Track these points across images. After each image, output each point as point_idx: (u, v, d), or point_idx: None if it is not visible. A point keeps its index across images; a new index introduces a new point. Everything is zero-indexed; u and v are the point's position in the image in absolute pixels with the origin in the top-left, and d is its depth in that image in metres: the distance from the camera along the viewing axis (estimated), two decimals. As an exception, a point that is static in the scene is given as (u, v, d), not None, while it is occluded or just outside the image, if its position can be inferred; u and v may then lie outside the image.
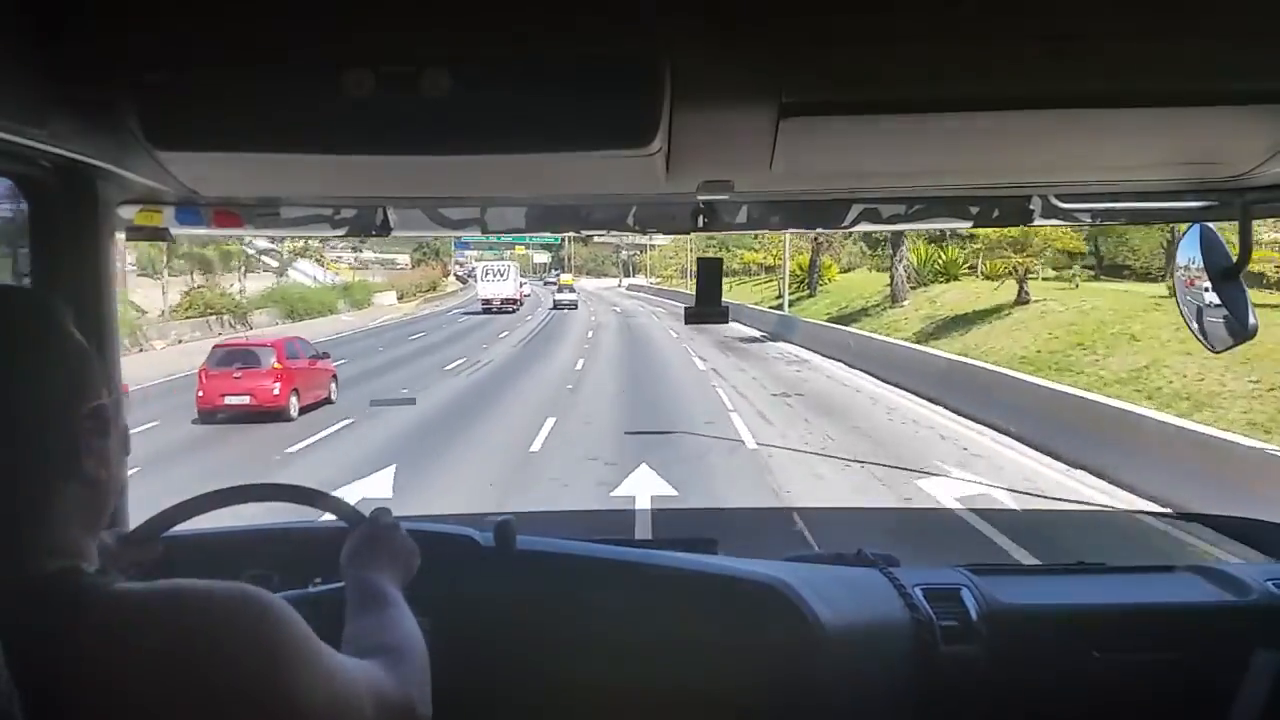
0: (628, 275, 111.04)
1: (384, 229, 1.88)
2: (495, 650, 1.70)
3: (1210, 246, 1.75)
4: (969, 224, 1.98)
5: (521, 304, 57.81)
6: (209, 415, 16.20)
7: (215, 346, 18.23)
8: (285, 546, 1.72)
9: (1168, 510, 9.23)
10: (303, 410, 16.55)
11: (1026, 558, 5.85)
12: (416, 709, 1.06)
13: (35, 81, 1.12)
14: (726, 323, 2.01)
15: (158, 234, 1.80)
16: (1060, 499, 10.26)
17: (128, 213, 1.74)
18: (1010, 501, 9.91)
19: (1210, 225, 1.80)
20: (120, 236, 1.74)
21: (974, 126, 1.34)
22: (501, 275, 56.31)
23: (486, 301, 55.20)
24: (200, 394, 16.33)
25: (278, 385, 16.32)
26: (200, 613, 0.86)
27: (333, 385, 18.45)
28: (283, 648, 0.88)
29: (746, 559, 1.96)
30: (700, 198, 1.78)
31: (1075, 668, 1.87)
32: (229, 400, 16.14)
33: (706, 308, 1.92)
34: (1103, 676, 1.87)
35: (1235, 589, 1.96)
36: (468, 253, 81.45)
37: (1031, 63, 1.16)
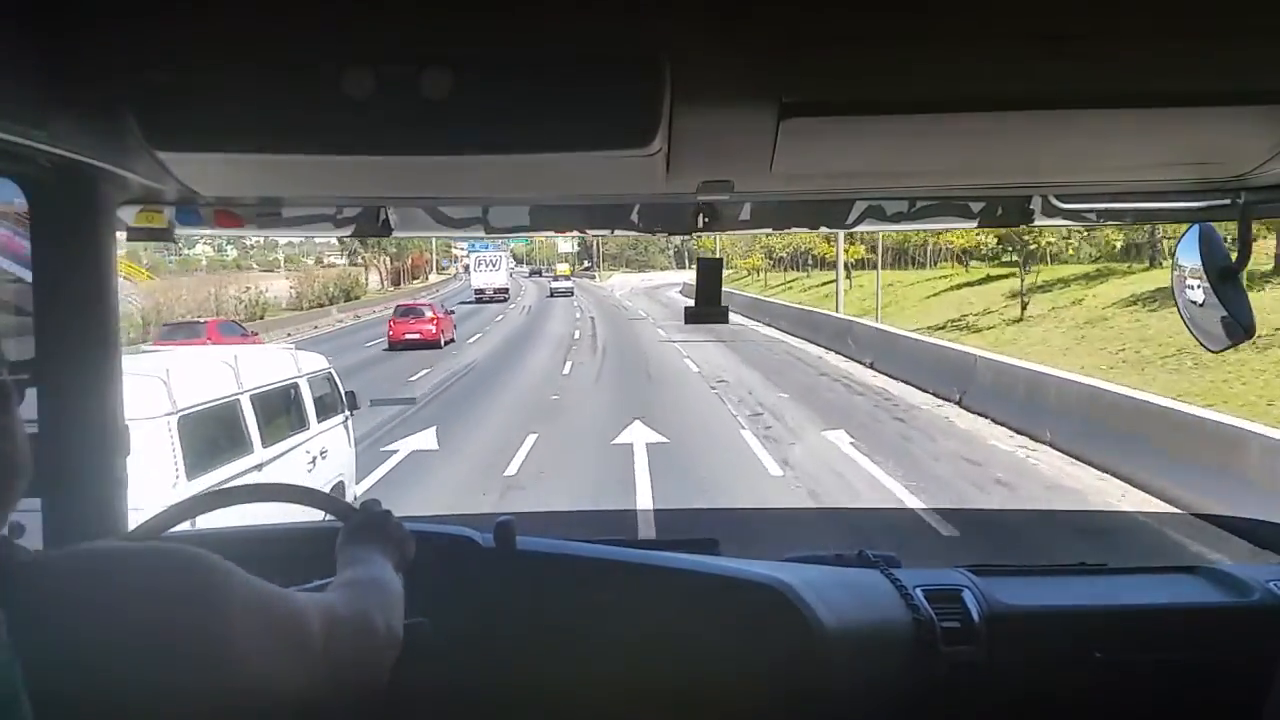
0: (683, 266, 79.59)
1: (385, 229, 1.89)
2: (495, 650, 1.70)
3: (1210, 246, 1.75)
4: (970, 224, 1.99)
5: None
6: (395, 345, 28.43)
7: (397, 306, 32.86)
8: (285, 546, 1.72)
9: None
10: (446, 343, 29.58)
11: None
12: (378, 627, 1.07)
13: (35, 81, 1.12)
14: (726, 322, 2.01)
15: (158, 234, 1.80)
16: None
17: (128, 213, 1.74)
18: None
19: (1211, 225, 1.80)
20: (121, 236, 1.74)
21: (974, 126, 1.34)
22: (494, 265, 60.13)
23: (479, 291, 57.52)
24: (390, 333, 29.23)
25: (434, 327, 29.47)
26: (112, 568, 0.87)
27: (454, 330, 31.96)
28: (202, 587, 0.89)
29: (747, 559, 1.95)
30: (700, 198, 1.78)
31: (1077, 669, 1.87)
32: (407, 336, 28.79)
33: (706, 308, 1.92)
34: (1104, 678, 1.87)
35: (1237, 590, 1.95)
36: (471, 245, 72.44)
37: (1032, 63, 1.16)
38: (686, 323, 2.04)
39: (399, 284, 73.38)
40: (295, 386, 8.09)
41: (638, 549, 1.90)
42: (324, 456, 8.38)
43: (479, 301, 54.61)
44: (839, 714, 1.82)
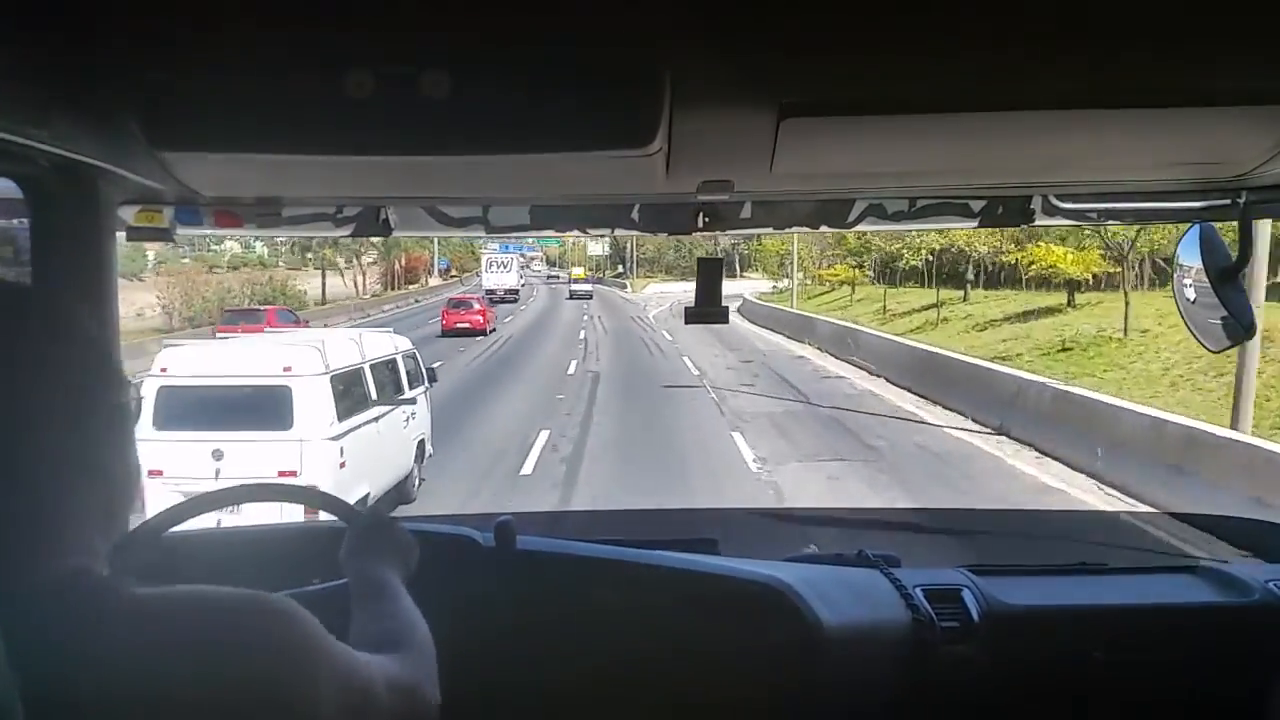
0: (733, 275, 68.22)
1: (385, 229, 1.89)
2: (495, 650, 1.70)
3: (1210, 246, 1.75)
4: (971, 224, 1.99)
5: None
6: (448, 332, 32.08)
7: (449, 299, 37.24)
8: (285, 546, 1.72)
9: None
10: (490, 331, 33.43)
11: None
12: (426, 693, 1.08)
13: (35, 81, 1.12)
14: (725, 322, 2.01)
15: (158, 234, 1.80)
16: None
17: (128, 213, 1.74)
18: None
19: (1211, 225, 1.80)
20: (121, 236, 1.74)
21: (974, 127, 1.34)
22: (505, 267, 61.87)
23: (490, 291, 57.81)
24: (443, 321, 33.14)
25: (482, 316, 33.83)
26: (217, 619, 0.86)
27: (494, 318, 36.39)
28: (299, 651, 0.88)
29: (747, 559, 1.96)
30: (700, 198, 1.78)
31: (1076, 668, 1.87)
32: (458, 325, 32.81)
33: (707, 308, 1.92)
34: (1104, 677, 1.87)
35: (1236, 590, 1.95)
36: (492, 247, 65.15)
37: (1032, 63, 1.16)
38: (687, 322, 2.03)
39: (394, 287, 63.60)
40: (394, 361, 10.49)
41: (638, 549, 1.90)
42: (414, 418, 10.70)
43: (490, 302, 54.21)
44: (838, 714, 1.82)
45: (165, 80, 1.14)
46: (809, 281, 46.65)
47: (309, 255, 56.62)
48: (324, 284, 53.06)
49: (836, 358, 23.64)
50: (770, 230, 1.97)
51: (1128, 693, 1.89)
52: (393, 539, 1.37)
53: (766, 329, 33.24)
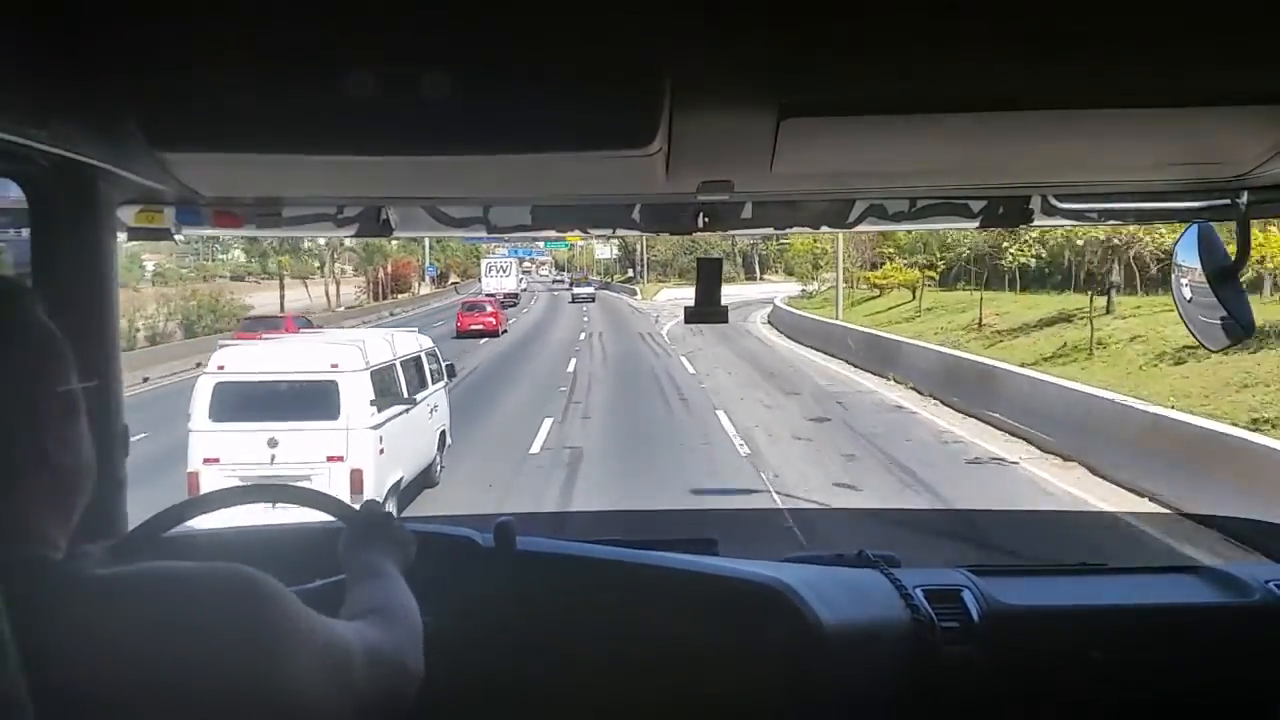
0: (753, 277, 65.24)
1: (386, 229, 1.89)
2: (495, 650, 1.70)
3: (1209, 246, 1.76)
4: (972, 224, 1.99)
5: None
6: (462, 334, 33.58)
7: (463, 302, 39.72)
8: (285, 546, 1.72)
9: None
10: (503, 333, 35.32)
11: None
12: (408, 664, 1.08)
13: (36, 81, 1.12)
14: (725, 321, 2.01)
15: (158, 234, 1.80)
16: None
17: (128, 213, 1.74)
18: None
19: (1210, 225, 1.80)
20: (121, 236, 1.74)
21: (974, 126, 1.34)
22: (504, 271, 62.18)
23: (490, 296, 56.90)
24: (458, 324, 34.77)
25: (495, 319, 35.49)
26: (179, 593, 0.86)
27: (505, 320, 37.83)
28: (265, 617, 0.88)
29: (747, 560, 1.95)
30: (700, 198, 1.78)
31: (1076, 669, 1.87)
32: (472, 327, 34.52)
33: (706, 308, 1.92)
34: (1104, 678, 1.87)
35: (1236, 590, 1.95)
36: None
37: (1032, 63, 1.16)
38: (687, 322, 2.04)
39: (380, 297, 57.48)
40: (419, 358, 11.44)
41: (637, 549, 1.90)
42: (436, 410, 11.70)
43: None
44: (838, 714, 1.82)
45: (165, 80, 1.14)
46: (846, 284, 35.05)
47: (266, 262, 50.30)
48: (282, 297, 44.89)
49: (963, 414, 14.59)
50: (770, 230, 1.97)
51: (1128, 693, 1.89)
52: (390, 534, 1.37)
53: (816, 350, 24.62)
